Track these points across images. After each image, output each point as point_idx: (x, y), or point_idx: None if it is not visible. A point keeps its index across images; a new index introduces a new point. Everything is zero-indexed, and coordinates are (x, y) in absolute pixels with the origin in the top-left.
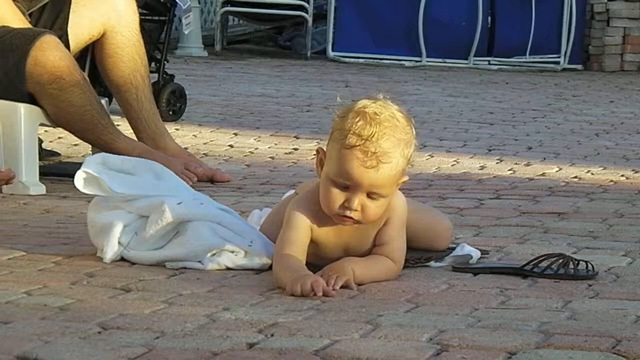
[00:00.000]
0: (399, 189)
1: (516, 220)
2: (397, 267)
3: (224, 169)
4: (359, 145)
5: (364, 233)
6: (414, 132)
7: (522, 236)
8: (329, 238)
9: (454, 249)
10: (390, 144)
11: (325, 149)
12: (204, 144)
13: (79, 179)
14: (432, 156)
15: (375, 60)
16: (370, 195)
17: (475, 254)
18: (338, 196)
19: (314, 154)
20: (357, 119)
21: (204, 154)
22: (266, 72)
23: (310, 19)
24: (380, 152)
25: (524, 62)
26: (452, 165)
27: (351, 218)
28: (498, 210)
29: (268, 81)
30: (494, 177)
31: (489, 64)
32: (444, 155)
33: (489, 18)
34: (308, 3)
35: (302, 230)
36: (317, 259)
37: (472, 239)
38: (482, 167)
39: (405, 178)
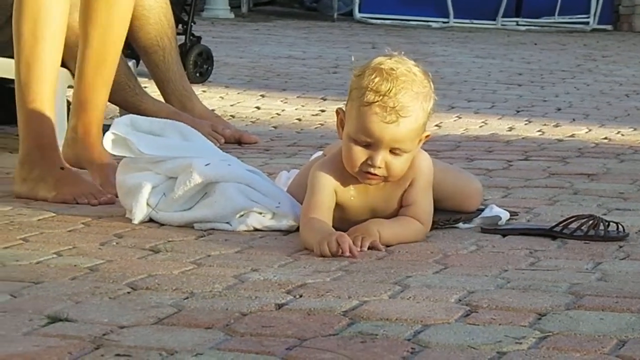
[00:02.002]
0: (426, 150)
1: (545, 182)
2: (424, 228)
3: (251, 131)
4: (377, 101)
5: (389, 194)
6: (432, 86)
7: (552, 197)
8: (354, 200)
9: (482, 210)
10: (409, 97)
11: (344, 109)
12: (231, 105)
13: (108, 140)
14: (460, 117)
15: (402, 22)
16: (392, 151)
17: (504, 215)
18: (360, 154)
19: (336, 115)
20: (374, 76)
21: (231, 115)
22: (293, 34)
23: None
24: (400, 106)
25: (553, 22)
26: (480, 127)
27: (376, 175)
28: (527, 171)
29: (295, 43)
30: (523, 138)
31: (517, 24)
32: (472, 117)
33: None
34: None
35: (326, 193)
36: (343, 223)
37: (500, 200)
38: (510, 129)
39: (427, 133)
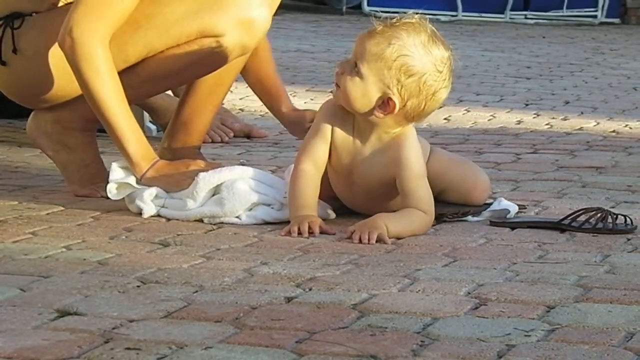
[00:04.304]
0: (435, 143)
1: (554, 175)
2: (429, 217)
3: (260, 125)
4: (378, 26)
5: (371, 156)
6: (428, 78)
7: (560, 190)
8: (343, 145)
9: (491, 203)
10: (398, 32)
11: None
12: (240, 99)
13: (111, 192)
14: (469, 111)
15: None
16: (354, 67)
17: (513, 208)
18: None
19: None
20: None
21: (240, 109)
22: (301, 27)
23: None
24: (385, 30)
25: (561, 16)
26: (489, 120)
27: (337, 84)
28: (535, 164)
29: (303, 36)
30: (531, 131)
31: (526, 18)
32: (481, 110)
33: None
34: None
35: (323, 136)
36: (330, 170)
37: (509, 194)
38: (519, 122)
39: (396, 98)
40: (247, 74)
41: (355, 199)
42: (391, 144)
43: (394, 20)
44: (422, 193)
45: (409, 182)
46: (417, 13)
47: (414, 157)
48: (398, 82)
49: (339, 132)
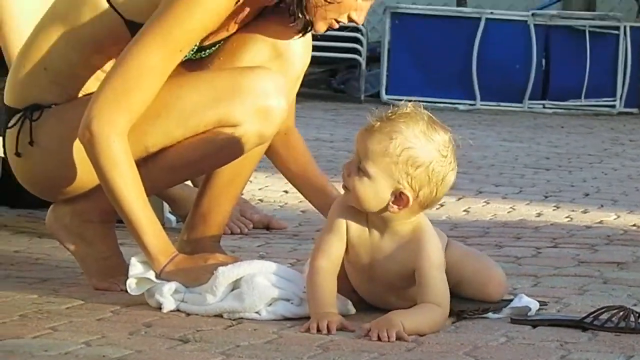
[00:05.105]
0: (454, 237)
1: (574, 270)
2: (443, 310)
3: (280, 216)
4: (375, 122)
5: (392, 250)
6: (443, 159)
7: (581, 287)
8: (360, 242)
9: (511, 300)
10: (397, 125)
11: None
12: (259, 189)
13: (131, 287)
14: (488, 203)
15: (429, 104)
16: (360, 168)
17: (534, 305)
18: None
19: None
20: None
21: (259, 199)
22: (320, 116)
23: (363, 62)
24: (383, 125)
25: (579, 105)
26: (508, 212)
27: (346, 187)
28: (556, 259)
29: (322, 125)
30: (551, 224)
31: (544, 107)
32: (500, 202)
33: (544, 61)
34: (362, 46)
35: (338, 232)
36: (348, 266)
37: (530, 289)
38: (538, 214)
39: (408, 193)
40: (284, 169)
41: (374, 293)
42: (411, 238)
43: (389, 113)
44: (439, 286)
45: (427, 273)
46: (410, 101)
47: (434, 248)
48: (407, 175)
49: (353, 227)
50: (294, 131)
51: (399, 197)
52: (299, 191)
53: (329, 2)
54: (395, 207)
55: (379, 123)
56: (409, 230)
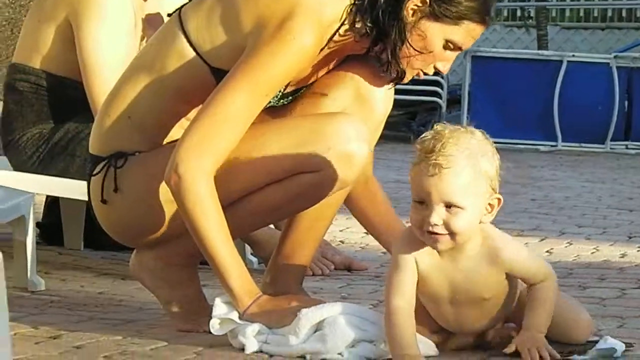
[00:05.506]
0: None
1: None
2: (551, 282)
3: (360, 257)
4: (424, 158)
5: (470, 268)
6: (494, 149)
7: None
8: (433, 271)
9: (597, 341)
10: (452, 150)
11: None
12: (340, 231)
13: (214, 327)
14: (571, 244)
15: (510, 145)
16: (448, 208)
17: (620, 347)
18: (418, 215)
19: None
20: (424, 137)
21: (340, 241)
22: (400, 158)
23: (444, 104)
24: (441, 158)
25: None
26: (592, 253)
27: (436, 233)
28: None
29: (402, 167)
30: (636, 265)
31: (627, 148)
32: (583, 243)
33: (626, 102)
34: (442, 89)
35: (408, 268)
36: (425, 299)
37: (615, 331)
38: (622, 255)
39: (497, 196)
40: (363, 219)
41: (458, 317)
42: (487, 249)
43: (433, 146)
44: (536, 265)
45: (521, 265)
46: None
47: (512, 245)
48: (490, 181)
49: (424, 260)
50: (373, 181)
51: (491, 205)
52: (377, 240)
53: (420, 52)
54: (489, 215)
55: (434, 160)
56: (479, 242)
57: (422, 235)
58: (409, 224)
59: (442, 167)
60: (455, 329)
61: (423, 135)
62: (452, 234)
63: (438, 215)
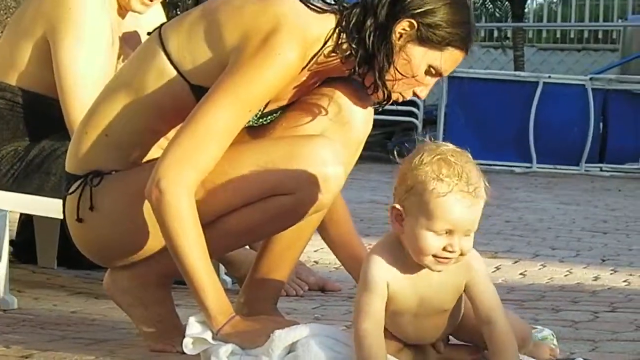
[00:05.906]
0: (510, 300)
1: (633, 335)
2: (505, 322)
3: (335, 278)
4: (453, 189)
5: (441, 282)
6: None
7: (639, 352)
8: (404, 290)
9: None
10: (476, 177)
11: (400, 206)
12: (315, 251)
13: (187, 346)
14: (545, 266)
15: (485, 166)
16: (466, 233)
17: None
18: (438, 242)
19: (390, 211)
20: (438, 166)
21: (314, 261)
22: (376, 178)
23: (420, 125)
24: (474, 188)
25: (637, 168)
26: (565, 276)
27: (450, 259)
28: (614, 324)
29: (377, 187)
30: (609, 288)
31: (601, 170)
32: (557, 265)
33: (601, 124)
34: (418, 109)
35: (378, 291)
36: (391, 316)
37: (588, 354)
38: (595, 278)
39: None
40: (325, 234)
41: (422, 328)
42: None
43: (460, 173)
44: (495, 294)
45: (483, 289)
46: (433, 144)
47: (479, 262)
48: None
49: (397, 281)
50: (338, 198)
51: None
52: (337, 257)
53: (404, 76)
54: None
55: (473, 192)
56: None
57: (425, 259)
58: (374, 246)
59: (478, 197)
60: (414, 341)
61: (422, 161)
62: (460, 256)
63: (460, 242)
